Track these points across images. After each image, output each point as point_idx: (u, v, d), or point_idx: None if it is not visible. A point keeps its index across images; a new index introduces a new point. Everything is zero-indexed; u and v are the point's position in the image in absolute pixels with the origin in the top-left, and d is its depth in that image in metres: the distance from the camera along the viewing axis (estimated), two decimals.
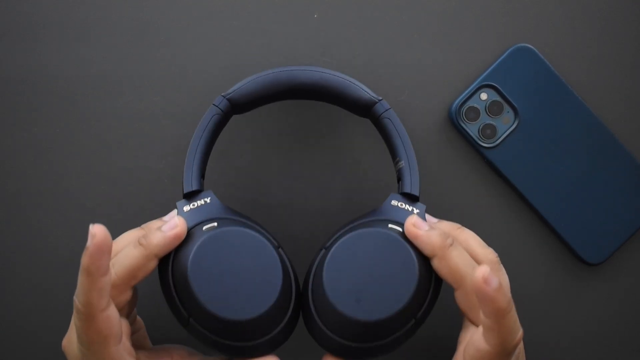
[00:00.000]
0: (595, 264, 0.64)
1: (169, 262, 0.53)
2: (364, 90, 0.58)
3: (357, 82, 0.59)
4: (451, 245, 0.54)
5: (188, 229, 0.54)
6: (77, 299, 0.50)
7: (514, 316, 0.51)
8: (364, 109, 0.59)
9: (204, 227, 0.53)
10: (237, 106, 0.58)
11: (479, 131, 0.64)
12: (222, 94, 0.58)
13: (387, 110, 0.58)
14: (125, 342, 0.53)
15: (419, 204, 0.57)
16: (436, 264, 0.54)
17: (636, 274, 0.66)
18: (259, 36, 0.64)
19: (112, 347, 0.51)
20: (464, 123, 0.64)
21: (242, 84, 0.58)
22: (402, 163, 0.57)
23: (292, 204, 0.64)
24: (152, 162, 0.64)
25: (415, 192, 0.57)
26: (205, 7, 0.64)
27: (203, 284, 0.51)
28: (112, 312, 0.51)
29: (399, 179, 0.58)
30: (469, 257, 0.54)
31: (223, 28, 0.64)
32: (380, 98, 0.58)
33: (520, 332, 0.52)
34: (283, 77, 0.58)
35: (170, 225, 0.54)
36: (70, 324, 0.57)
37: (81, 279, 0.49)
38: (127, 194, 0.64)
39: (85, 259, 0.49)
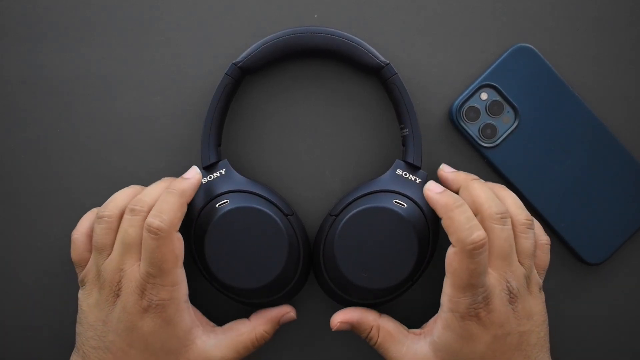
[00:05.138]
0: (595, 264, 0.64)
1: (191, 241, 0.60)
2: (371, 55, 0.61)
3: (366, 45, 0.61)
4: (458, 207, 0.59)
5: (206, 202, 0.60)
6: (159, 220, 0.57)
7: (465, 212, 0.57)
8: (372, 72, 0.62)
9: (217, 205, 0.59)
10: (249, 70, 0.61)
11: (479, 131, 0.64)
12: (234, 62, 0.61)
13: (393, 75, 0.61)
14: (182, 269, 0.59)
15: (420, 171, 0.61)
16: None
17: (636, 274, 0.66)
18: (259, 37, 0.64)
19: (179, 268, 0.58)
20: (464, 123, 0.64)
21: (252, 51, 0.61)
22: (406, 131, 0.61)
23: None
24: (152, 162, 0.64)
25: (417, 163, 0.61)
26: (203, 7, 0.64)
27: (218, 261, 0.59)
28: (180, 236, 0.58)
29: (403, 144, 0.62)
30: (472, 217, 0.58)
31: (223, 28, 0.64)
32: (387, 62, 0.61)
33: (477, 233, 0.56)
34: (291, 41, 0.61)
35: (191, 173, 0.60)
36: (113, 261, 0.58)
37: (171, 200, 0.58)
38: None
39: (184, 184, 0.59)
